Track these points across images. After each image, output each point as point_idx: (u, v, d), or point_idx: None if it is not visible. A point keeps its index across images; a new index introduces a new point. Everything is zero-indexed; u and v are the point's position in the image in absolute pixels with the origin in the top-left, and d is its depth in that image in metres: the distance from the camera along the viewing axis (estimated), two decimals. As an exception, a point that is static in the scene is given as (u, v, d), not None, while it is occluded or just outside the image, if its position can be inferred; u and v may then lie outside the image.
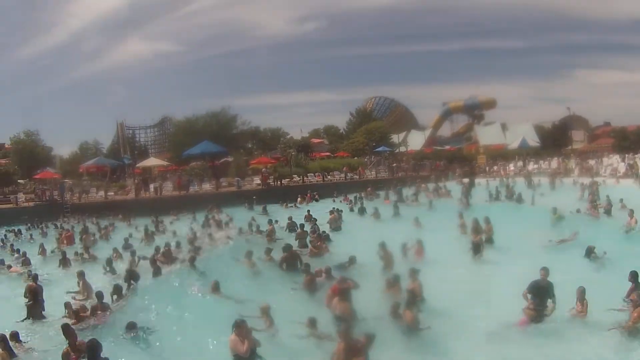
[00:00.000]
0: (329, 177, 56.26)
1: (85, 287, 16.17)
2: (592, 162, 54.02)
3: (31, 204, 42.64)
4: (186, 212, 36.30)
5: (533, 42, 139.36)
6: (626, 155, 52.99)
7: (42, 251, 24.78)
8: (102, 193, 46.36)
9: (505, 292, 12.93)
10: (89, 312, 13.41)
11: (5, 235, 30.82)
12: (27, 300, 14.70)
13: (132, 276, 16.54)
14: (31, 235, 32.28)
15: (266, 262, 18.53)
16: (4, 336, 10.76)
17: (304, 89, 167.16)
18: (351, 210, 34.23)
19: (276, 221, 27.44)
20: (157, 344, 11.41)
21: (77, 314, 13.27)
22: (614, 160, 52.04)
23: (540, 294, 11.85)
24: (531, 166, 56.71)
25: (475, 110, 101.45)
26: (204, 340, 11.34)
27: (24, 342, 11.84)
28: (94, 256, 22.80)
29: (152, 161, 60.59)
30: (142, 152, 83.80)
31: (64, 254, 22.58)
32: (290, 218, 27.94)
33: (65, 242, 27.26)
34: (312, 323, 11.45)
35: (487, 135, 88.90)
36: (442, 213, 28.58)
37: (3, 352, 10.48)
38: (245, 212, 36.09)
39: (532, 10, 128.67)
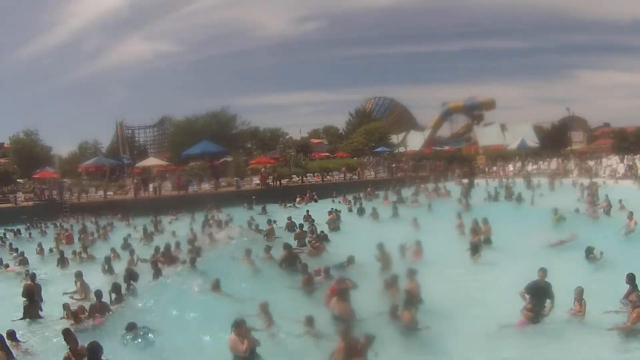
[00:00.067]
0: (328, 177, 56.24)
1: (83, 288, 16.10)
2: (591, 163, 54.04)
3: (30, 203, 42.68)
4: (185, 212, 36.33)
5: (532, 42, 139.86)
6: (625, 156, 53.06)
7: (40, 250, 24.73)
8: (101, 193, 46.36)
9: (504, 293, 12.94)
10: (87, 313, 13.37)
11: (4, 234, 30.77)
12: (25, 300, 14.66)
13: (131, 276, 16.48)
14: (30, 234, 32.26)
15: (266, 260, 18.59)
16: (0, 336, 10.74)
17: (304, 89, 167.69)
18: (350, 210, 34.24)
19: (274, 221, 27.42)
20: (157, 344, 11.43)
21: (75, 315, 13.23)
22: (613, 161, 52.11)
23: (539, 294, 11.84)
24: (530, 167, 56.73)
25: (475, 111, 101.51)
26: (204, 340, 11.37)
27: (22, 342, 11.80)
28: (92, 256, 22.79)
29: (151, 161, 60.61)
30: (141, 152, 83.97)
31: (62, 253, 22.58)
32: (289, 218, 28.03)
33: (64, 241, 27.21)
34: (310, 321, 11.45)
35: (486, 135, 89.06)
36: (441, 214, 28.59)
37: (0, 352, 10.46)
38: (245, 212, 36.12)
39: (531, 10, 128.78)
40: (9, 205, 41.99)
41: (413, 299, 12.05)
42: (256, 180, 51.41)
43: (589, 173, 46.04)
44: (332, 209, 30.69)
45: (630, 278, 12.31)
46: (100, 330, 12.58)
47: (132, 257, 20.09)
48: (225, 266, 17.43)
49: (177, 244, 20.81)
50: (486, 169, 60.75)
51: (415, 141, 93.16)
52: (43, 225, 34.88)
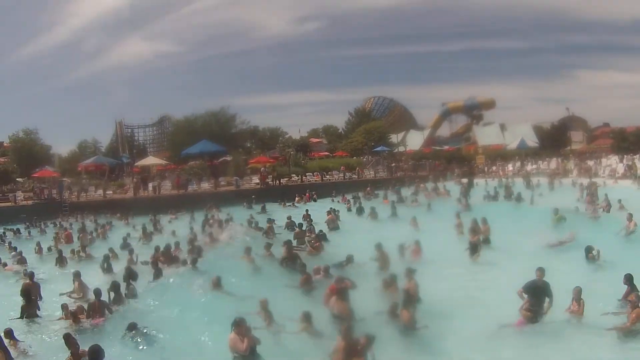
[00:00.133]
0: (327, 176, 56.27)
1: (81, 287, 16.04)
2: (590, 162, 54.05)
3: (30, 202, 42.59)
4: (185, 212, 36.32)
5: (532, 42, 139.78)
6: (625, 156, 53.10)
7: (39, 250, 24.72)
8: (100, 192, 46.32)
9: (503, 293, 12.93)
10: (85, 314, 13.35)
11: (4, 233, 30.76)
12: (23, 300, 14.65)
13: (130, 275, 16.47)
14: (29, 232, 32.26)
15: (266, 258, 18.62)
16: None
17: (304, 89, 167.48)
18: (349, 210, 34.24)
19: (273, 220, 27.45)
20: (158, 344, 11.41)
21: (74, 316, 13.19)
22: (613, 161, 52.15)
23: (537, 293, 11.85)
24: (530, 167, 56.75)
25: (474, 111, 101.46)
26: (205, 340, 11.34)
27: (20, 341, 11.78)
28: (90, 255, 22.78)
29: (150, 160, 60.57)
30: (141, 151, 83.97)
31: (60, 252, 22.55)
32: (289, 217, 28.07)
33: (63, 240, 27.19)
34: (307, 317, 11.47)
35: (485, 135, 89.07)
36: (440, 213, 28.60)
37: None
38: (244, 211, 36.13)
39: (531, 10, 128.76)
40: (9, 204, 41.93)
41: (411, 299, 12.07)
42: (255, 179, 51.46)
43: (588, 173, 46.06)
44: (331, 208, 30.69)
45: (628, 279, 12.33)
46: (101, 331, 12.58)
47: (132, 256, 20.07)
48: (226, 265, 17.42)
49: (177, 244, 20.79)
50: (485, 169, 60.78)
51: (414, 141, 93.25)
52: (42, 224, 34.86)
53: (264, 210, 36.92)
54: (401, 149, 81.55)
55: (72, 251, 23.23)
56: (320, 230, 23.91)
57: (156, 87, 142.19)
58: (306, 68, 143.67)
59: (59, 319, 13.65)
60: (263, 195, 43.52)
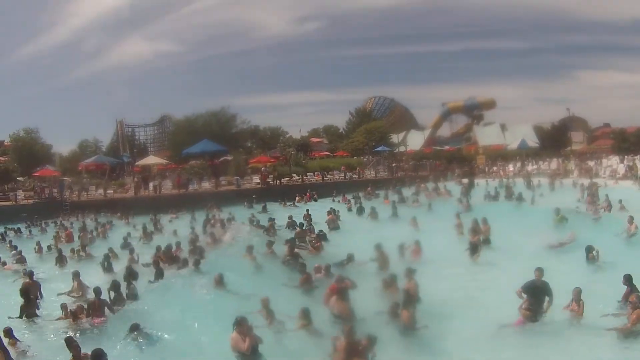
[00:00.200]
0: (328, 176, 56.28)
1: (80, 287, 15.99)
2: (591, 163, 54.02)
3: (30, 201, 42.57)
4: (185, 211, 36.32)
5: (533, 42, 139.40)
6: (625, 157, 53.06)
7: (39, 249, 24.72)
8: (101, 191, 46.31)
9: (503, 293, 12.92)
10: (85, 313, 13.34)
11: (5, 232, 30.77)
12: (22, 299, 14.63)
13: (131, 274, 16.47)
14: (30, 231, 32.32)
15: (267, 256, 18.76)
16: None
17: (304, 89, 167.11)
18: (349, 210, 34.25)
19: (273, 220, 27.52)
20: (160, 345, 11.39)
21: (75, 315, 13.16)
22: (613, 162, 52.11)
23: (536, 293, 11.88)
24: (530, 167, 56.74)
25: (475, 111, 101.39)
26: (207, 340, 11.33)
27: (19, 341, 11.76)
28: (90, 254, 22.78)
29: (151, 159, 60.58)
30: (142, 150, 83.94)
31: (60, 251, 22.55)
32: (290, 217, 28.18)
33: (64, 240, 27.20)
34: (305, 315, 11.53)
35: (486, 135, 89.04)
36: (440, 213, 28.59)
37: None
38: (245, 210, 36.14)
39: (531, 10, 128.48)
40: (9, 203, 41.91)
41: (411, 299, 12.08)
42: (256, 179, 51.45)
43: (589, 173, 46.02)
44: (331, 208, 30.72)
45: (628, 279, 12.33)
46: (102, 331, 12.56)
47: (133, 255, 20.09)
48: (228, 263, 17.45)
49: (178, 244, 20.77)
50: (486, 169, 60.73)
51: (415, 141, 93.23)
52: (43, 223, 34.87)
53: (264, 209, 36.94)
54: (402, 149, 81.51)
55: (72, 250, 23.20)
56: (321, 230, 23.95)
57: (156, 87, 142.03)
58: (306, 68, 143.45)
59: (59, 319, 13.61)
60: (264, 195, 43.52)
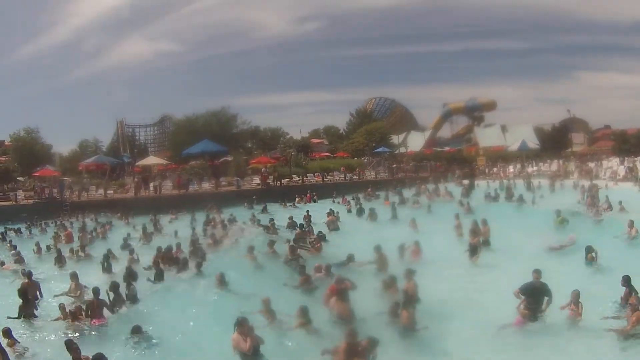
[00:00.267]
0: (328, 177, 56.28)
1: (78, 288, 15.85)
2: (591, 164, 53.97)
3: (30, 201, 42.55)
4: (185, 212, 36.29)
5: (534, 43, 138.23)
6: (626, 159, 53.00)
7: (38, 250, 24.64)
8: (101, 191, 46.32)
9: (502, 294, 12.90)
10: (84, 314, 13.29)
11: (5, 232, 30.75)
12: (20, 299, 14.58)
13: (130, 275, 16.45)
14: (30, 231, 32.31)
15: (269, 255, 18.93)
16: None
17: (304, 89, 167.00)
18: (349, 211, 34.23)
19: (273, 219, 27.60)
20: (162, 347, 11.40)
21: (74, 316, 13.10)
22: (614, 163, 52.05)
23: (534, 295, 11.90)
24: (531, 168, 56.71)
25: (476, 112, 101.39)
26: (209, 342, 11.33)
27: (17, 341, 11.71)
28: (89, 255, 22.72)
29: (151, 160, 60.57)
30: (142, 151, 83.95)
31: (59, 251, 22.54)
32: (290, 218, 28.29)
33: (64, 240, 27.16)
34: (304, 313, 11.57)
35: (486, 137, 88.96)
36: (441, 215, 28.56)
37: None
38: (245, 211, 36.12)
39: (532, 11, 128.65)
40: (10, 203, 41.89)
41: (411, 299, 12.08)
42: (256, 179, 51.48)
43: (589, 175, 45.98)
44: (330, 209, 30.76)
45: (626, 280, 12.33)
46: (103, 333, 12.54)
47: (132, 256, 20.06)
48: (229, 264, 17.49)
49: (179, 245, 20.72)
50: (486, 170, 60.70)
51: (415, 142, 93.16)
52: (43, 223, 34.84)
53: (265, 210, 36.94)
54: (402, 150, 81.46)
55: (71, 250, 23.14)
56: (320, 232, 23.94)
57: (156, 87, 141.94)
58: (306, 68, 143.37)
59: (57, 319, 13.53)
60: (264, 195, 43.56)
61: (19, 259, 22.08)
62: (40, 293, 16.15)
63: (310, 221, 28.10)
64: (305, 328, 11.48)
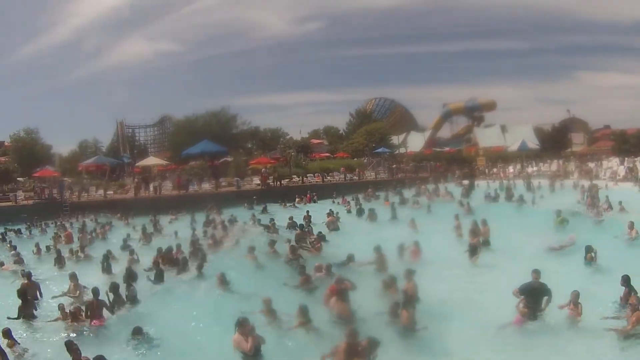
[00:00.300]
0: (328, 177, 56.27)
1: (77, 289, 15.76)
2: (591, 165, 53.96)
3: (30, 202, 42.52)
4: (185, 212, 36.24)
5: (534, 43, 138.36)
6: (625, 159, 53.00)
7: (37, 250, 24.57)
8: (101, 192, 46.29)
9: (502, 295, 12.90)
10: (84, 314, 13.25)
11: (5, 232, 30.74)
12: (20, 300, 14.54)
13: (130, 276, 16.43)
14: (30, 232, 32.30)
15: (270, 255, 19.04)
16: None
17: (304, 89, 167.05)
18: (349, 212, 34.21)
19: (273, 219, 27.65)
20: (163, 349, 11.38)
21: (74, 316, 13.07)
22: (614, 164, 52.05)
23: (533, 295, 11.94)
24: (530, 169, 56.70)
25: (475, 112, 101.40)
26: (210, 343, 11.33)
27: (17, 342, 11.67)
28: (89, 255, 22.65)
29: (151, 160, 60.49)
30: (142, 151, 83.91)
31: (58, 252, 22.48)
32: (291, 218, 28.36)
33: (64, 240, 27.12)
34: (303, 312, 11.62)
35: (486, 137, 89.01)
36: (440, 215, 28.55)
37: None
38: (245, 211, 36.08)
39: (532, 11, 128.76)
40: (9, 203, 41.86)
41: (411, 299, 12.08)
42: (256, 180, 51.47)
43: (589, 175, 45.98)
44: (330, 210, 30.80)
45: (625, 280, 12.34)
46: (102, 334, 12.52)
47: (133, 256, 20.03)
48: (230, 264, 17.50)
49: (179, 246, 20.67)
50: (486, 171, 60.70)
51: (415, 142, 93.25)
52: (43, 224, 34.81)
53: (265, 210, 36.92)
54: (402, 150, 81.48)
55: (71, 251, 23.08)
56: (320, 232, 23.94)
57: (156, 87, 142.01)
58: (306, 68, 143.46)
59: (56, 319, 13.49)
60: (264, 196, 43.51)
61: (19, 260, 22.05)
62: (40, 293, 16.14)
63: (310, 221, 28.11)
64: (305, 327, 11.51)
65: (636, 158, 51.70)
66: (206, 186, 49.22)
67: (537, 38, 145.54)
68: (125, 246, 23.47)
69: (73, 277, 16.12)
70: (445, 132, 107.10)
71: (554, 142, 78.41)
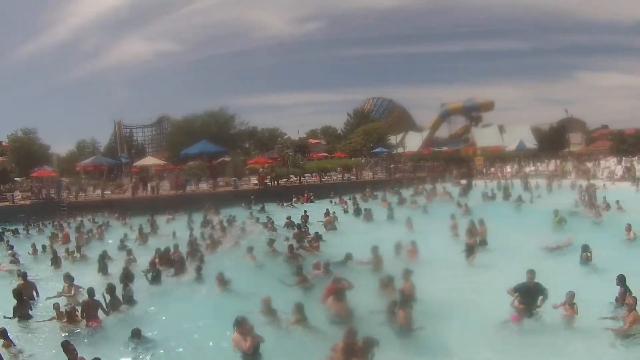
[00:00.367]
0: (326, 177, 56.27)
1: (70, 289, 15.63)
2: (589, 164, 54.04)
3: (28, 202, 42.49)
4: (182, 212, 36.16)
5: (534, 43, 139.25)
6: (623, 158, 53.09)
7: (34, 251, 24.44)
8: (99, 192, 46.21)
9: (499, 294, 12.89)
10: (80, 315, 13.16)
11: (2, 232, 30.69)
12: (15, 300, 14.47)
13: (127, 276, 16.35)
14: (28, 231, 32.23)
15: (269, 254, 19.17)
16: None
17: (304, 89, 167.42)
18: (345, 212, 34.18)
19: (269, 218, 27.69)
20: (161, 349, 11.36)
21: (69, 316, 13.00)
22: (611, 163, 52.15)
23: (529, 294, 11.96)
24: (528, 168, 56.76)
25: (473, 112, 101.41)
26: (209, 342, 11.38)
27: (13, 343, 11.62)
28: (85, 256, 22.56)
29: (149, 160, 60.36)
30: (140, 151, 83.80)
31: (54, 252, 22.42)
32: (288, 217, 28.48)
33: (62, 240, 27.06)
34: (299, 309, 11.69)
35: (484, 137, 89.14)
36: (438, 215, 28.52)
37: None
38: (243, 211, 36.06)
39: (532, 11, 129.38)
40: (7, 203, 41.79)
41: (408, 299, 12.06)
42: (254, 180, 51.45)
43: (586, 175, 46.03)
44: (327, 209, 30.84)
45: (621, 279, 12.37)
46: (99, 335, 12.45)
47: (130, 256, 19.96)
48: (229, 264, 17.50)
49: (176, 246, 20.61)
50: (484, 170, 60.76)
51: (413, 142, 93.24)
52: (41, 224, 34.76)
53: (262, 210, 36.91)
54: (400, 150, 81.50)
55: (67, 251, 23.01)
56: (317, 232, 23.93)
57: (156, 87, 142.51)
58: (306, 68, 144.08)
59: (51, 319, 13.42)
60: (261, 196, 43.51)
61: (15, 260, 21.98)
62: (37, 292, 16.10)
63: (307, 221, 28.13)
64: (301, 325, 11.54)
65: (634, 158, 51.85)
66: (204, 186, 49.24)
67: (537, 38, 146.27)
68: (122, 246, 23.40)
69: (67, 277, 15.97)
70: (443, 132, 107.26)
71: (552, 142, 78.54)
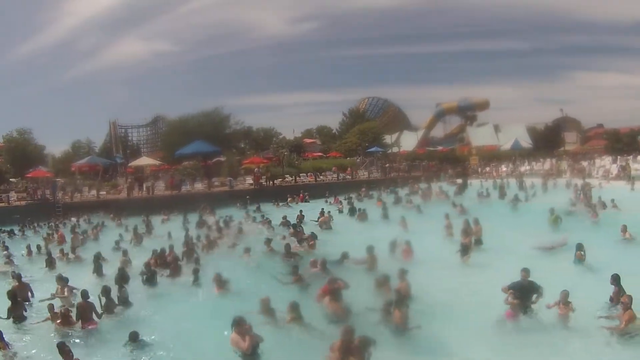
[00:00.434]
0: (321, 177, 56.26)
1: (63, 292, 15.47)
2: (584, 163, 54.14)
3: (23, 202, 42.29)
4: (177, 212, 36.09)
5: (533, 43, 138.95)
6: (618, 157, 53.22)
7: (29, 252, 24.32)
8: (94, 192, 46.11)
9: (494, 293, 12.90)
10: (75, 317, 13.07)
11: (-2, 233, 30.65)
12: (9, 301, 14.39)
13: (123, 277, 16.30)
14: (23, 232, 32.17)
15: (267, 253, 19.25)
16: None
17: (303, 89, 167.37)
18: (340, 212, 34.17)
19: (266, 218, 27.71)
20: (159, 350, 11.34)
21: (64, 317, 12.92)
22: (606, 162, 52.25)
23: (523, 293, 12.00)
24: (523, 167, 56.85)
25: (468, 111, 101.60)
26: (208, 343, 11.31)
27: (9, 345, 11.55)
28: (79, 257, 22.43)
29: (144, 160, 60.26)
30: (135, 151, 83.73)
31: (49, 253, 22.27)
32: (284, 217, 28.53)
33: (57, 241, 26.96)
34: (294, 308, 11.72)
35: (479, 136, 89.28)
36: (432, 214, 28.57)
37: None
38: (238, 211, 36.01)
39: (532, 11, 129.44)
40: (2, 204, 41.66)
41: (403, 299, 12.07)
42: (249, 180, 51.45)
43: (582, 174, 46.12)
44: (322, 209, 30.87)
45: (615, 279, 12.39)
46: (94, 337, 12.40)
47: (125, 257, 19.89)
48: (226, 265, 17.46)
49: (171, 247, 20.54)
50: (479, 170, 60.85)
51: (408, 141, 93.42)
52: (36, 225, 34.68)
53: (258, 210, 36.88)
54: (395, 149, 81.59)
55: (61, 252, 22.85)
56: (312, 232, 23.93)
57: (153, 87, 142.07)
58: (305, 68, 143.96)
59: (45, 320, 13.35)
60: (257, 195, 43.51)
61: (9, 261, 21.92)
62: (32, 294, 16.01)
63: (302, 221, 28.16)
64: (297, 323, 11.55)
65: (629, 157, 51.97)
66: (199, 186, 49.19)
67: (537, 38, 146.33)
68: (117, 247, 23.34)
69: (60, 279, 15.84)
70: (439, 132, 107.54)
71: (547, 141, 78.75)
